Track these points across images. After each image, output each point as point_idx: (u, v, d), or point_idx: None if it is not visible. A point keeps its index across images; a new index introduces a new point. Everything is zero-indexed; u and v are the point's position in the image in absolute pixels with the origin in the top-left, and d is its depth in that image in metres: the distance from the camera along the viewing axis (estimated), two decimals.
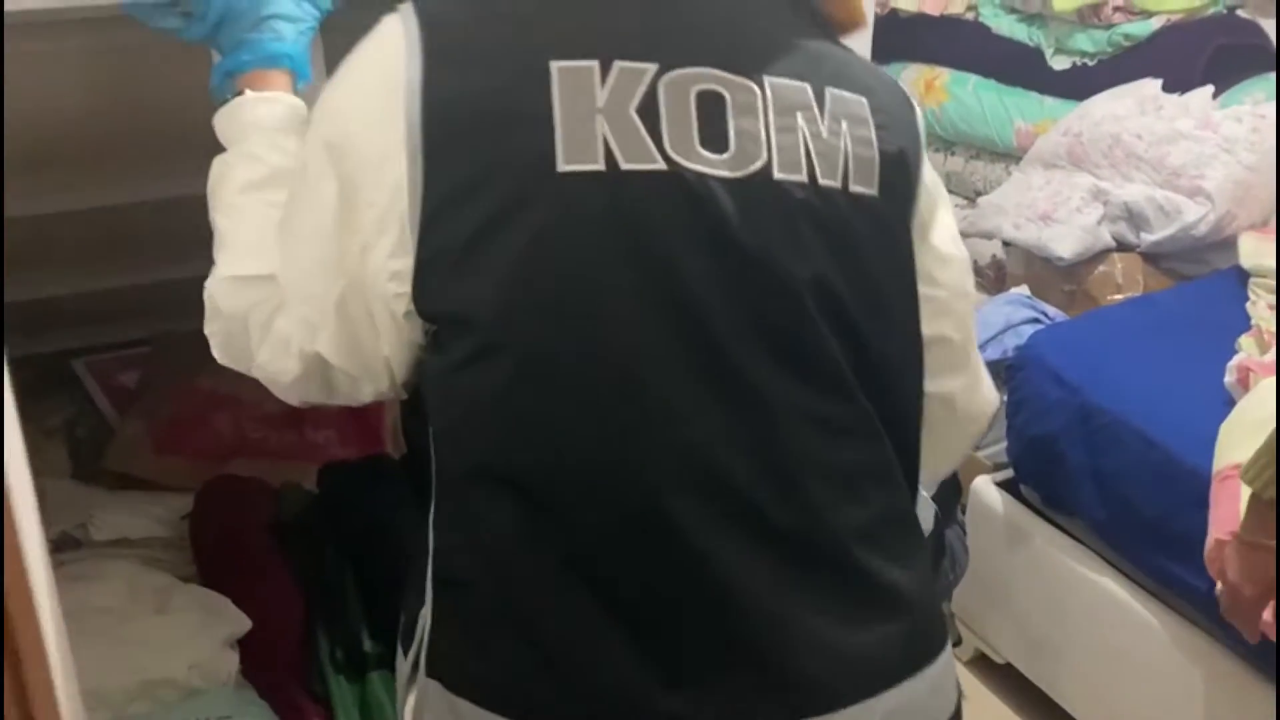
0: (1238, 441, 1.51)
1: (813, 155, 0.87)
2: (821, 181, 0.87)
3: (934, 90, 2.64)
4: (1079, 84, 2.38)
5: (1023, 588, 1.92)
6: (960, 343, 1.00)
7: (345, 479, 1.80)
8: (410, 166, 0.81)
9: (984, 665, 2.05)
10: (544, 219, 0.81)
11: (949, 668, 0.96)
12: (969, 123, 2.56)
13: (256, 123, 0.98)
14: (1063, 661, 1.88)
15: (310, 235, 0.87)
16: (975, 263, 2.50)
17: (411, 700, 0.92)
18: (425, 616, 0.89)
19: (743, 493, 0.85)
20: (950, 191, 2.66)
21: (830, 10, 0.96)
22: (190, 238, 1.29)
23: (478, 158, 0.81)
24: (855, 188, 0.89)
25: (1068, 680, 1.88)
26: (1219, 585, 1.41)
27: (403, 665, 0.94)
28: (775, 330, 0.85)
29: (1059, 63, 2.45)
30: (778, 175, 0.85)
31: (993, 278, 2.46)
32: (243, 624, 1.47)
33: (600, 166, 0.81)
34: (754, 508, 0.85)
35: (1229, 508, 1.46)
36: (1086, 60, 2.40)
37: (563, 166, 0.80)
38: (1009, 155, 2.52)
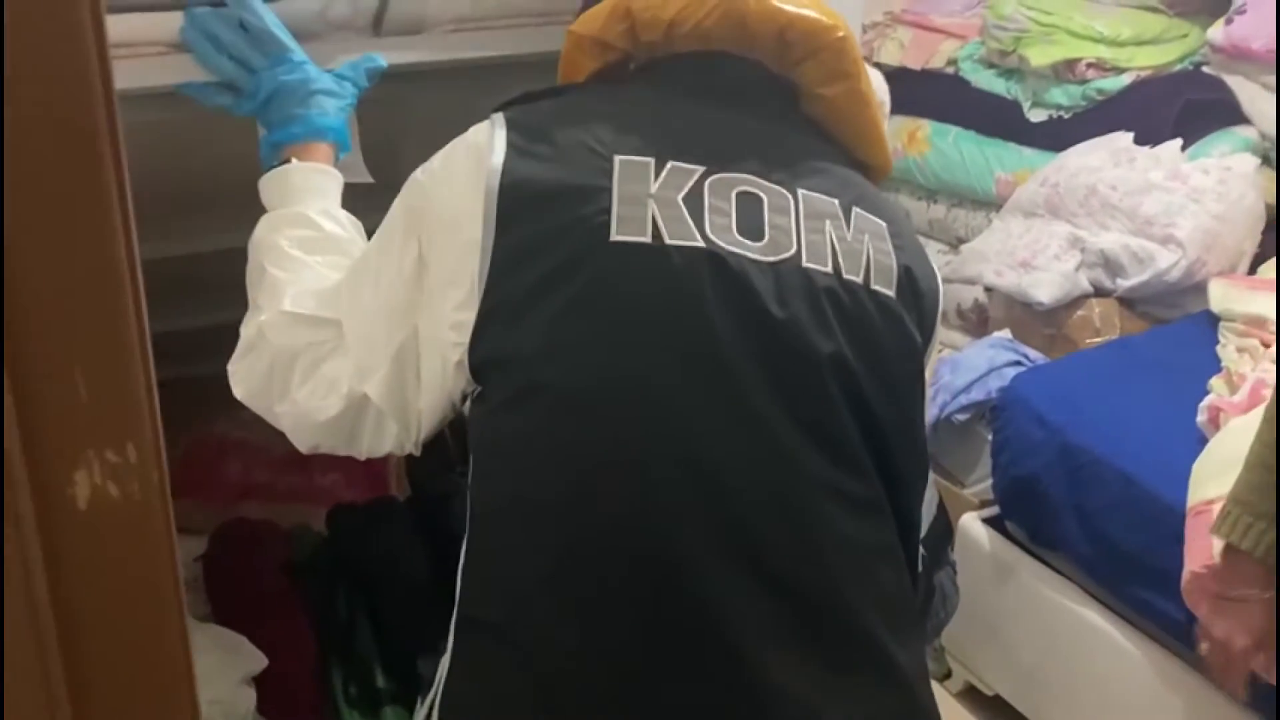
0: (1208, 479, 1.58)
1: (838, 254, 0.96)
2: (845, 275, 0.95)
3: (916, 141, 2.73)
4: (1055, 136, 2.47)
5: (1010, 621, 1.98)
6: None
7: (354, 520, 1.85)
8: (484, 231, 0.90)
9: (973, 697, 2.10)
10: (594, 275, 0.90)
11: None
12: (950, 172, 2.65)
13: (308, 189, 1.05)
14: (1050, 692, 1.93)
15: (383, 286, 0.96)
16: (958, 306, 2.58)
17: None
18: (444, 665, 0.92)
19: (767, 557, 0.88)
20: (932, 239, 2.76)
21: (862, 155, 1.07)
22: (200, 289, 1.36)
23: (543, 225, 0.90)
24: (876, 286, 0.97)
25: (1055, 710, 1.93)
26: (1204, 645, 1.43)
27: (420, 711, 0.96)
28: (799, 400, 0.91)
29: (1036, 115, 2.54)
30: (806, 264, 0.94)
31: (975, 321, 2.54)
32: (259, 662, 1.51)
33: (647, 239, 0.91)
34: (776, 574, 0.89)
35: (1202, 542, 1.53)
36: (1062, 113, 2.49)
37: (615, 236, 0.91)
38: (989, 204, 2.60)
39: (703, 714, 0.87)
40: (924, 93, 2.76)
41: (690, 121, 0.99)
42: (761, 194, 0.96)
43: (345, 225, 1.07)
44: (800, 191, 0.97)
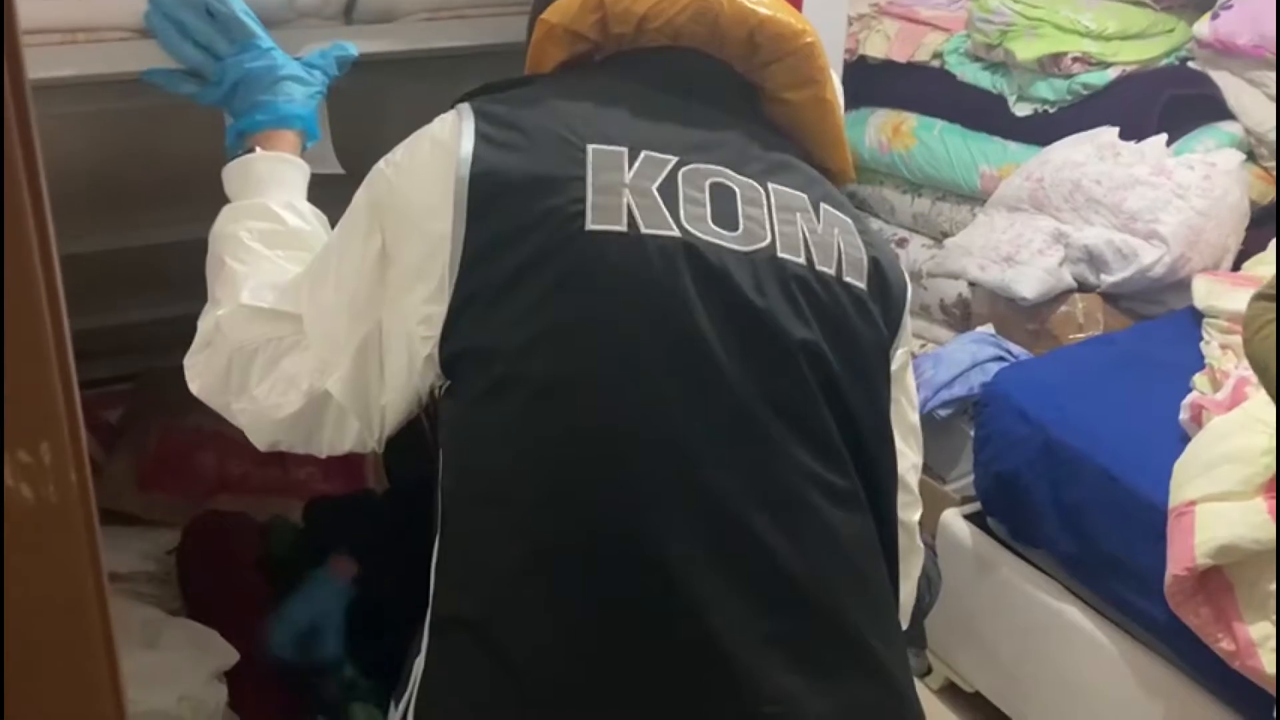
0: (1189, 480, 1.57)
1: (810, 245, 0.95)
2: (818, 267, 0.95)
3: (901, 135, 2.72)
4: (1040, 130, 2.46)
5: (990, 618, 1.98)
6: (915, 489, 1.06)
7: (330, 514, 1.83)
8: (455, 222, 0.88)
9: (953, 694, 2.09)
10: (569, 265, 0.88)
11: None
12: (935, 166, 2.64)
13: (272, 179, 1.03)
14: (1029, 689, 1.93)
15: (344, 281, 0.93)
16: (941, 301, 2.57)
17: None
18: (418, 665, 0.90)
19: (750, 550, 0.87)
20: (916, 232, 2.74)
21: (822, 160, 1.07)
22: (171, 280, 1.33)
23: (517, 215, 0.89)
24: (848, 278, 0.97)
25: (1034, 707, 1.93)
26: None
27: (393, 714, 0.94)
28: (779, 390, 0.90)
29: (1021, 109, 2.53)
30: (780, 254, 0.94)
31: (958, 316, 2.53)
32: (230, 656, 1.49)
33: (623, 228, 0.90)
34: (762, 561, 0.87)
35: (1184, 543, 1.52)
36: (1048, 108, 2.48)
37: (590, 226, 0.89)
38: (974, 198, 2.59)
39: (683, 708, 0.86)
40: (909, 86, 2.75)
41: (660, 113, 0.98)
42: (734, 186, 0.95)
43: (308, 218, 1.05)
44: (770, 185, 0.97)
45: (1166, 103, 2.31)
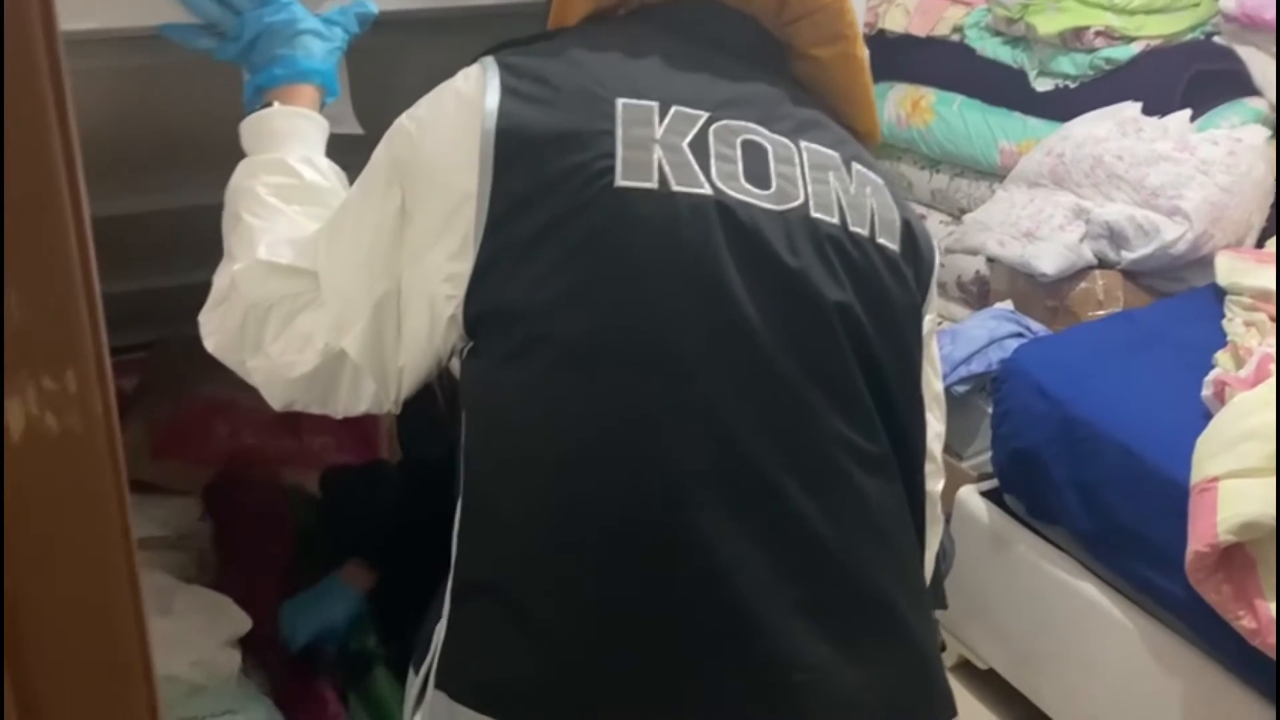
0: (1212, 455, 1.56)
1: (844, 205, 0.93)
2: (852, 227, 0.93)
3: (920, 110, 2.69)
4: (1061, 106, 2.44)
5: (1006, 595, 1.96)
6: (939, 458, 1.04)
7: (346, 483, 1.82)
8: (480, 178, 0.86)
9: (967, 671, 2.09)
10: (599, 223, 0.86)
11: None
12: (954, 142, 2.62)
13: (290, 134, 1.01)
14: (1045, 667, 1.92)
15: (362, 239, 0.91)
16: (959, 278, 2.55)
17: (418, 718, 0.91)
18: (439, 630, 0.89)
19: (780, 515, 0.85)
20: (935, 209, 2.72)
21: (849, 120, 1.04)
22: (188, 246, 1.32)
23: (545, 170, 0.86)
24: (881, 239, 0.95)
25: (1050, 686, 1.92)
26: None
27: (414, 681, 0.92)
28: (812, 353, 0.88)
29: (1042, 84, 2.50)
30: (814, 214, 0.91)
31: (976, 293, 2.51)
32: (244, 624, 1.49)
33: (654, 186, 0.87)
34: (792, 526, 0.86)
35: (1206, 520, 1.51)
36: (1069, 83, 2.46)
37: (620, 182, 0.86)
38: (993, 174, 2.57)
39: (709, 677, 0.84)
40: (929, 60, 2.72)
41: (690, 67, 0.95)
42: (766, 143, 0.93)
43: (326, 174, 1.03)
44: (802, 143, 0.95)
45: (1191, 78, 2.28)
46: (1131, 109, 2.28)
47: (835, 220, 0.92)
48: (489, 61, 0.91)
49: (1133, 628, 1.75)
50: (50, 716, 0.36)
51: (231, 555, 1.64)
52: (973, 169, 2.63)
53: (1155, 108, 2.27)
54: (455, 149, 0.88)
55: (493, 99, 0.88)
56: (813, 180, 0.93)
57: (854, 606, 0.88)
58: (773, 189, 0.91)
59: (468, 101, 0.89)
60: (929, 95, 2.69)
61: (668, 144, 0.89)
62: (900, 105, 2.74)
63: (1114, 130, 2.25)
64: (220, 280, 0.98)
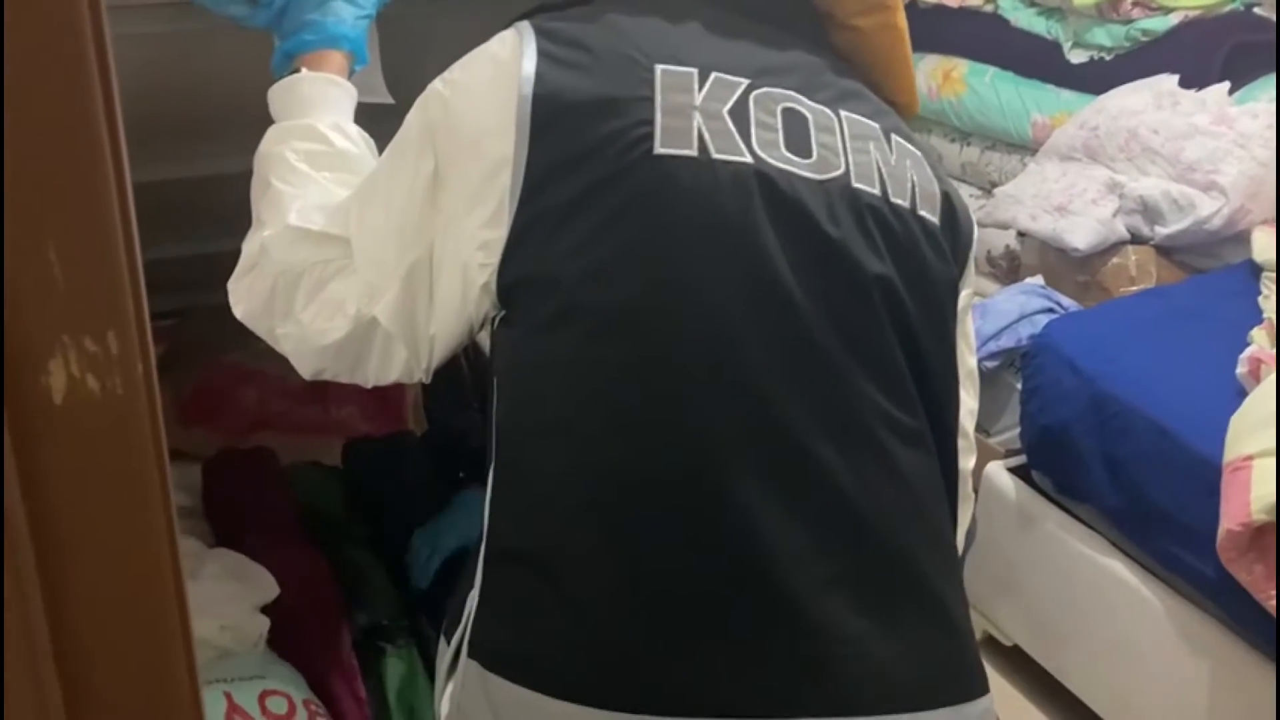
0: (1247, 433, 1.54)
1: (884, 176, 0.92)
2: (893, 199, 0.92)
3: (951, 81, 2.66)
4: (1096, 78, 2.40)
5: (1032, 572, 1.95)
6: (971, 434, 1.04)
7: (370, 455, 1.83)
8: (517, 144, 0.85)
9: (992, 648, 2.08)
10: (638, 188, 0.85)
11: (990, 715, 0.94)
12: (986, 114, 2.59)
13: (319, 100, 1.01)
14: (1070, 645, 1.91)
15: (394, 204, 0.90)
16: (989, 252, 2.52)
17: (450, 689, 0.90)
18: (472, 599, 0.88)
19: (818, 487, 0.84)
20: (965, 182, 2.69)
21: (888, 92, 1.04)
22: (217, 214, 1.32)
23: (583, 136, 0.85)
24: (922, 211, 0.93)
25: (1075, 663, 1.91)
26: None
27: (445, 651, 0.92)
28: (852, 325, 0.87)
29: (1076, 56, 2.46)
30: (855, 184, 0.91)
31: (1006, 268, 2.49)
32: (271, 590, 1.49)
33: (693, 153, 0.86)
34: (829, 498, 0.85)
35: (1239, 498, 1.49)
36: (1104, 55, 2.42)
37: (659, 149, 0.85)
38: (1025, 147, 2.54)
39: (746, 648, 0.84)
40: (961, 31, 2.69)
41: (730, 33, 0.94)
42: (806, 112, 0.92)
43: (356, 140, 1.02)
44: (842, 112, 0.94)
45: (1230, 50, 2.24)
46: (1168, 81, 2.24)
47: (876, 191, 0.91)
48: (524, 26, 0.90)
49: (1160, 606, 1.74)
50: (94, 676, 0.36)
51: (222, 530, 1.64)
52: (1004, 142, 2.60)
53: (1193, 80, 2.23)
54: (490, 114, 0.87)
55: (529, 64, 0.87)
56: (853, 150, 0.92)
57: (890, 581, 0.87)
58: (814, 158, 0.90)
59: (503, 66, 0.88)
60: (961, 66, 2.66)
61: (708, 111, 0.88)
62: (932, 77, 2.70)
63: (1150, 103, 2.21)
64: (250, 247, 0.97)
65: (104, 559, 0.36)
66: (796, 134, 0.90)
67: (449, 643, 0.91)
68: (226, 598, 1.46)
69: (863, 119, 0.94)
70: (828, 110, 0.93)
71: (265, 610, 1.46)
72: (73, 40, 0.34)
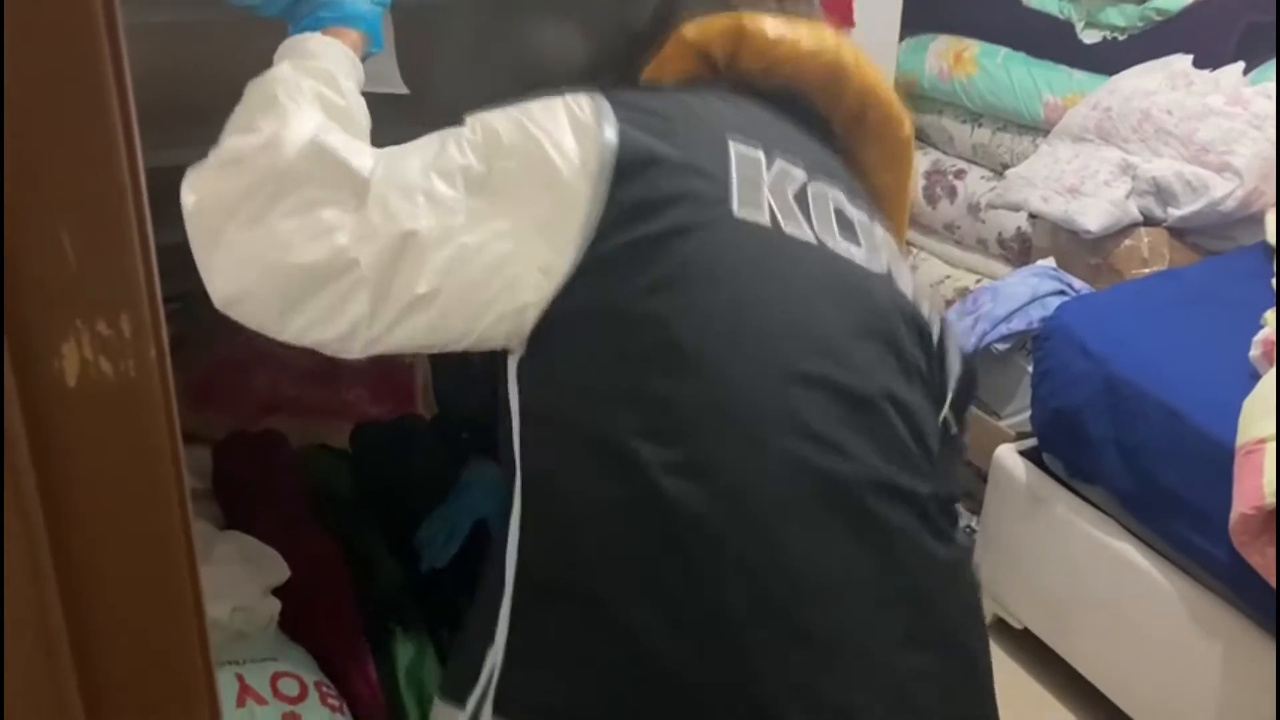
0: (1262, 415, 1.53)
1: (912, 286, 1.03)
2: (919, 307, 1.02)
3: (963, 62, 2.64)
4: (1109, 58, 2.38)
5: (1042, 555, 1.95)
6: None
7: (378, 439, 1.83)
8: (596, 187, 0.86)
9: (1002, 630, 2.08)
10: (714, 239, 0.89)
11: None
12: (997, 95, 2.57)
13: (329, 55, 0.96)
14: (1081, 628, 1.91)
15: (435, 170, 0.87)
16: (1000, 235, 2.51)
17: None
18: (494, 652, 0.84)
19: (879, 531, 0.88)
20: (976, 164, 2.68)
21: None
22: None
23: (663, 187, 0.89)
24: (933, 324, 1.03)
25: (1085, 646, 1.91)
26: None
27: (458, 717, 0.87)
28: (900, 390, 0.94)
29: (1089, 36, 2.44)
30: (898, 285, 1.00)
31: (1017, 250, 2.47)
32: (282, 572, 1.50)
33: (767, 222, 0.92)
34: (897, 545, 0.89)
35: (1252, 481, 1.48)
36: (1117, 35, 2.40)
37: (737, 212, 0.91)
38: (1036, 128, 2.52)
39: (821, 699, 0.84)
40: (972, 11, 2.66)
41: (784, 133, 1.01)
42: (851, 215, 0.99)
43: (364, 113, 0.98)
44: (875, 221, 1.03)
45: (1245, 30, 2.22)
46: (1182, 62, 2.22)
47: (910, 297, 1.01)
48: (596, 95, 0.92)
49: (1172, 589, 1.74)
50: (109, 656, 0.36)
51: (232, 513, 1.65)
52: (1016, 123, 2.58)
53: (1206, 61, 2.21)
54: (567, 150, 0.87)
55: (610, 123, 0.89)
56: (889, 258, 1.01)
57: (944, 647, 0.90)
58: (864, 251, 0.98)
59: (582, 122, 0.89)
60: (972, 47, 2.64)
61: (776, 190, 0.94)
62: (942, 57, 2.68)
63: (1163, 83, 2.19)
64: (243, 141, 0.85)
65: (118, 540, 0.36)
66: (847, 229, 0.98)
67: (462, 705, 0.86)
68: (238, 580, 1.46)
69: (886, 235, 1.04)
70: (866, 217, 1.01)
71: (275, 593, 1.46)
72: (85, 19, 0.34)
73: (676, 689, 0.81)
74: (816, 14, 1.12)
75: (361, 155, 0.86)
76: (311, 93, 0.90)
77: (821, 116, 1.07)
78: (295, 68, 0.93)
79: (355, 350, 0.86)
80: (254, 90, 0.91)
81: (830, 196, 0.98)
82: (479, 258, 0.85)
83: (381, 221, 0.84)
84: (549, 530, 0.85)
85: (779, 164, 0.95)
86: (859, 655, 0.85)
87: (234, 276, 0.84)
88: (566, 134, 0.88)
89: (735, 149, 0.93)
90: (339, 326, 0.84)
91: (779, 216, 0.91)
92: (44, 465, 0.33)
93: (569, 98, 0.91)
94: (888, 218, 1.09)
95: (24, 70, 0.32)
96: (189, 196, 0.84)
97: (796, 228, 0.92)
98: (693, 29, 1.04)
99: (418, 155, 0.88)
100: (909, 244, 2.70)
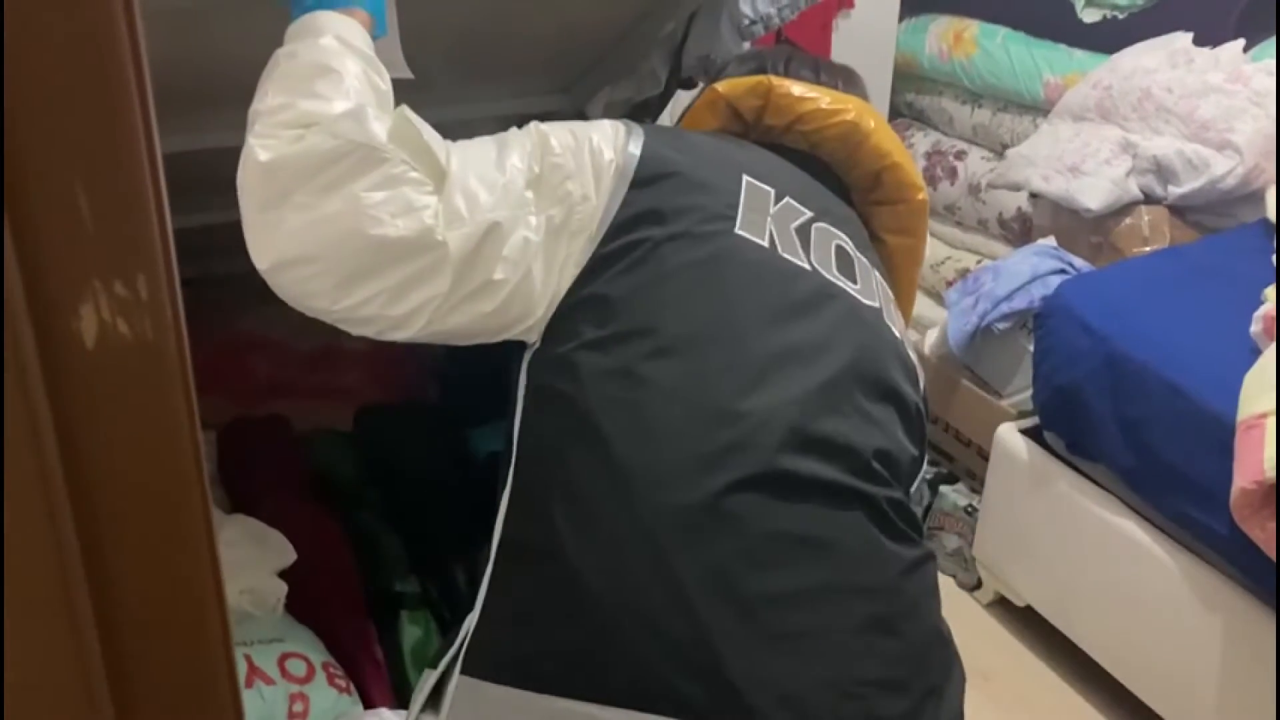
0: (1262, 391, 1.53)
1: (902, 330, 1.09)
2: (908, 353, 1.08)
3: (963, 42, 2.64)
4: (1108, 37, 2.38)
5: (1044, 532, 1.96)
6: None
7: (381, 422, 1.83)
8: (614, 191, 0.94)
9: (1004, 608, 2.09)
10: (715, 253, 0.96)
11: None
12: (997, 75, 2.56)
13: (358, 36, 0.96)
14: (1082, 604, 1.92)
15: (505, 164, 0.93)
16: (1000, 215, 2.51)
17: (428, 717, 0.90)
18: (472, 618, 0.89)
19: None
20: (976, 144, 2.68)
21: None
22: (228, 185, 1.32)
23: (678, 198, 0.97)
24: (917, 366, 1.09)
25: (1087, 623, 1.92)
26: None
27: (428, 676, 0.93)
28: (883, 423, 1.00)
29: (1089, 15, 2.44)
30: (887, 320, 1.06)
31: (1018, 230, 2.47)
32: (288, 554, 1.50)
33: (765, 244, 0.99)
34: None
35: (1253, 456, 1.49)
36: (1117, 13, 2.39)
37: (739, 231, 0.98)
38: (1036, 108, 2.52)
39: (779, 668, 0.87)
40: None
41: (800, 183, 1.08)
42: (853, 255, 1.06)
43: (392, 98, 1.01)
44: (872, 264, 1.09)
45: (1245, 7, 2.21)
46: (1182, 39, 2.22)
47: (900, 336, 1.06)
48: (627, 122, 1.01)
49: (1173, 565, 1.74)
50: (129, 629, 0.37)
51: (238, 497, 1.65)
52: (1016, 103, 2.57)
53: (1207, 38, 2.21)
54: (604, 155, 0.96)
55: (637, 139, 0.98)
56: (883, 299, 1.07)
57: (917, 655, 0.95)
58: (859, 285, 1.04)
59: (611, 140, 0.98)
60: (972, 27, 2.63)
61: (779, 220, 1.01)
62: (942, 38, 2.68)
63: (1163, 61, 2.19)
64: (320, 106, 0.83)
65: (136, 500, 0.36)
66: (846, 265, 1.04)
67: (434, 667, 0.93)
68: (245, 562, 1.47)
69: (883, 281, 1.10)
70: (865, 260, 1.07)
71: (282, 575, 1.47)
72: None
73: (632, 650, 0.84)
74: (857, 91, 1.22)
75: (439, 141, 0.89)
76: (360, 73, 0.90)
77: (839, 177, 1.16)
78: (340, 41, 0.91)
79: (410, 330, 0.87)
80: (301, 56, 0.88)
81: (834, 236, 1.05)
82: (540, 253, 0.91)
83: (467, 208, 0.87)
84: (532, 505, 0.90)
85: (787, 201, 1.03)
86: (816, 636, 0.88)
87: (302, 238, 0.81)
88: (606, 143, 0.97)
89: (748, 181, 1.01)
90: (409, 303, 0.85)
91: (777, 242, 0.99)
92: (64, 426, 0.34)
93: (607, 120, 1.01)
94: (897, 281, 1.17)
95: (42, 33, 0.32)
96: (261, 154, 0.81)
97: (792, 254, 1.00)
98: (724, 84, 1.15)
99: (482, 149, 0.94)
100: None
